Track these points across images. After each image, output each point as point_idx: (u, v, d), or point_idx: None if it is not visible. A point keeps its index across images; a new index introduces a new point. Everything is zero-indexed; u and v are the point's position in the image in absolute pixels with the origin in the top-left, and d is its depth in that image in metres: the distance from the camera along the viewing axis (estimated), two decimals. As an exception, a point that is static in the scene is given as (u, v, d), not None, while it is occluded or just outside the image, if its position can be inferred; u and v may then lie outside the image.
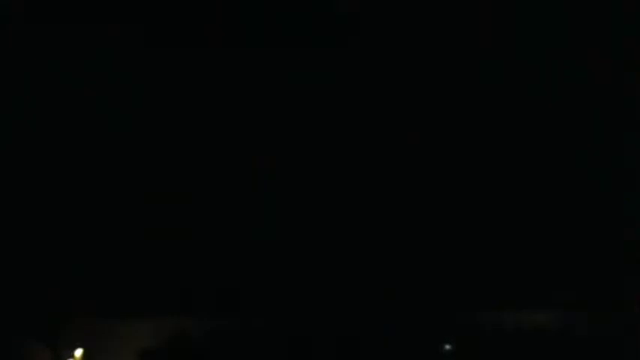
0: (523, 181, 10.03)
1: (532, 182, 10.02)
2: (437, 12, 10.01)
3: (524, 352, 9.64)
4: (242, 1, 9.93)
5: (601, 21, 9.91)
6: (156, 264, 9.90)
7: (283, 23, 9.93)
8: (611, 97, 9.90)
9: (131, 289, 9.86)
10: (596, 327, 9.62)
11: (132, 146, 10.05)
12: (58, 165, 9.96)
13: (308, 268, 9.94)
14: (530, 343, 9.66)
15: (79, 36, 9.89)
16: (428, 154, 10.09)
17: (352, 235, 10.02)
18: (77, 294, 9.78)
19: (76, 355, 9.74)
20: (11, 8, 9.89)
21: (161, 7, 9.90)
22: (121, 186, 10.01)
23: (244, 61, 10.02)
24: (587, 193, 9.90)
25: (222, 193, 10.05)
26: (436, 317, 9.82)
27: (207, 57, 10.01)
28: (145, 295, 9.84)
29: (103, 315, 9.84)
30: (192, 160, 10.05)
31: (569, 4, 9.90)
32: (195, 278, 9.90)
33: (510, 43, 10.00)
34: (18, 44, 9.91)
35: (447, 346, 9.74)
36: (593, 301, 9.65)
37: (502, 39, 9.98)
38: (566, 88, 9.95)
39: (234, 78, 10.05)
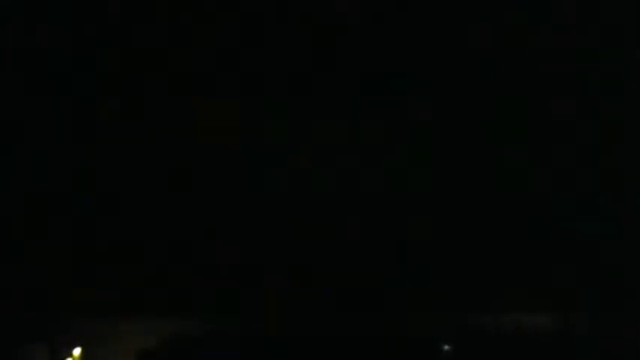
0: (522, 181, 10.03)
1: (531, 183, 10.02)
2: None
3: (524, 352, 9.62)
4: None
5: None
6: (155, 263, 9.90)
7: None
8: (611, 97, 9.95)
9: (130, 288, 9.85)
10: (596, 327, 9.61)
11: (130, 144, 10.05)
12: (57, 165, 9.97)
13: (308, 268, 9.93)
14: (530, 343, 9.65)
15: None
16: (426, 155, 10.10)
17: (352, 236, 10.02)
18: (76, 293, 9.78)
19: (74, 354, 9.72)
20: (11, 8, 9.90)
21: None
22: (119, 186, 10.02)
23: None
24: (586, 193, 9.91)
25: (223, 192, 10.06)
26: (435, 318, 9.81)
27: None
28: (145, 294, 9.83)
29: (103, 315, 9.83)
30: (192, 159, 10.07)
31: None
32: (195, 278, 9.89)
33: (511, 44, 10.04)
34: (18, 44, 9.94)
35: (446, 347, 9.72)
36: (593, 301, 9.66)
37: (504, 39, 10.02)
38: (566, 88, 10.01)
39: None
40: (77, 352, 9.73)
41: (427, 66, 10.08)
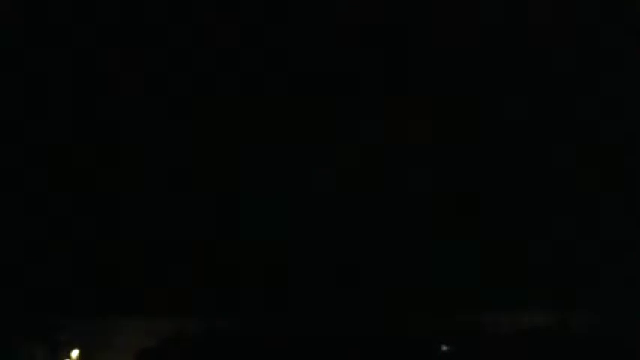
0: (521, 180, 10.02)
1: (530, 181, 10.01)
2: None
3: (523, 352, 9.60)
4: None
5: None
6: (155, 262, 9.91)
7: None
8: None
9: (130, 288, 9.86)
10: (596, 327, 9.59)
11: (128, 143, 10.07)
12: (56, 165, 9.98)
13: (308, 267, 9.93)
14: (530, 343, 9.63)
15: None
16: (426, 153, 10.10)
17: (352, 235, 10.02)
18: (75, 293, 9.79)
19: (72, 355, 9.72)
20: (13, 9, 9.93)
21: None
22: (118, 184, 10.03)
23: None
24: (586, 192, 9.89)
25: (222, 192, 10.07)
26: (435, 318, 9.80)
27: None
28: (145, 294, 9.83)
29: (103, 315, 9.83)
30: (191, 160, 10.08)
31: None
32: (195, 278, 9.90)
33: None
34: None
35: (445, 347, 9.71)
36: (594, 301, 9.63)
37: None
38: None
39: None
40: (76, 352, 9.74)
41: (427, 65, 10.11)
